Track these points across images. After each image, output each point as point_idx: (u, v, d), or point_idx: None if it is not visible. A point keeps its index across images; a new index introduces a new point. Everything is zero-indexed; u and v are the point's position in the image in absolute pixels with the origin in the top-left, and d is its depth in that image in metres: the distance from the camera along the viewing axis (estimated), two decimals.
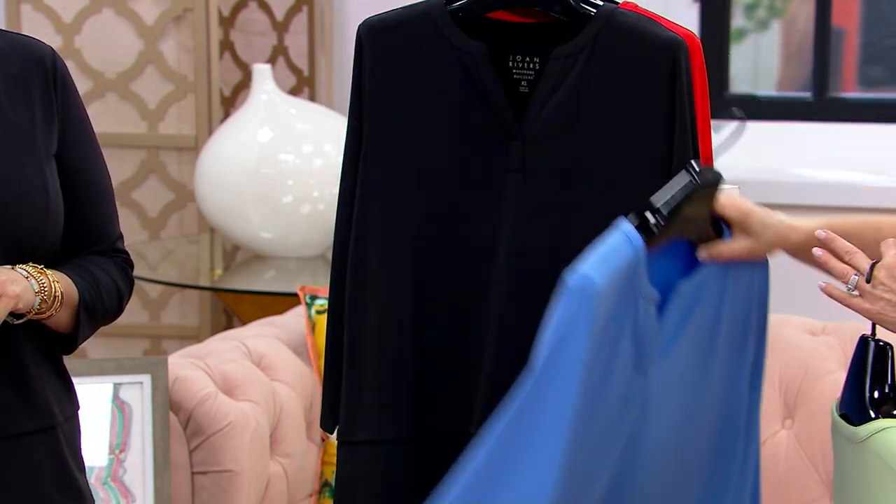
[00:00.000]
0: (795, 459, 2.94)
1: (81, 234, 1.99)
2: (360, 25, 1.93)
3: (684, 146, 1.86)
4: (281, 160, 3.53)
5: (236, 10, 4.07)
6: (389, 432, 1.92)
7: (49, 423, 1.93)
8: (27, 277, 1.86)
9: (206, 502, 2.55)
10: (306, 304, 3.06)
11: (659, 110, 1.86)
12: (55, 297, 1.88)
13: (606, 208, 1.87)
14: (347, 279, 1.92)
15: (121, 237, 2.06)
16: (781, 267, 3.73)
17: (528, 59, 1.91)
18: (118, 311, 2.01)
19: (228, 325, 4.01)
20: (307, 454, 2.86)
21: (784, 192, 3.64)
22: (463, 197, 1.90)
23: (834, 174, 3.61)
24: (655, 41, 1.86)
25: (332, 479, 2.92)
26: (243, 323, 3.53)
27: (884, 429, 1.78)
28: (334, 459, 2.90)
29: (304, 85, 4.05)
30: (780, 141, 3.77)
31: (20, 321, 1.87)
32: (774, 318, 3.10)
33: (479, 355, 1.91)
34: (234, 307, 3.66)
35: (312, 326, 3.02)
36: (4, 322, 1.82)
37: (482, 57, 1.88)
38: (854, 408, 1.82)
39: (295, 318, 3.12)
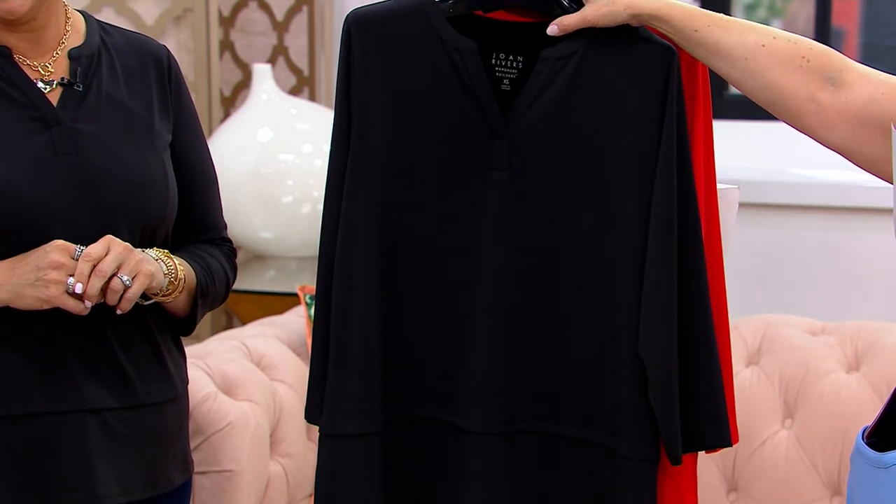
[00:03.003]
0: (795, 459, 2.94)
1: (192, 222, 2.13)
2: (348, 15, 1.91)
3: (669, 154, 1.85)
4: (281, 160, 3.53)
5: (236, 10, 4.07)
6: (374, 425, 1.92)
7: (174, 395, 2.09)
8: (157, 260, 1.99)
9: (206, 502, 2.55)
10: (306, 304, 3.06)
11: (649, 116, 1.86)
12: (180, 279, 2.01)
13: (593, 208, 1.88)
14: (334, 273, 1.92)
15: (225, 227, 2.20)
16: (781, 267, 3.74)
17: (511, 58, 1.91)
18: (225, 297, 2.17)
19: (228, 325, 4.01)
20: (307, 454, 2.86)
21: (784, 192, 3.63)
22: (446, 193, 1.90)
23: (834, 174, 3.60)
24: (649, 47, 1.86)
25: None
26: (243, 323, 3.53)
27: None
28: None
29: (304, 85, 4.05)
30: (779, 141, 3.76)
31: (148, 303, 2.00)
32: (774, 318, 3.12)
33: (461, 348, 1.91)
34: (234, 307, 3.66)
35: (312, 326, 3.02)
36: (135, 303, 1.95)
37: (471, 54, 1.88)
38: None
39: (295, 318, 3.12)
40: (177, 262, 2.02)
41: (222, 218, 2.20)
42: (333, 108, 1.94)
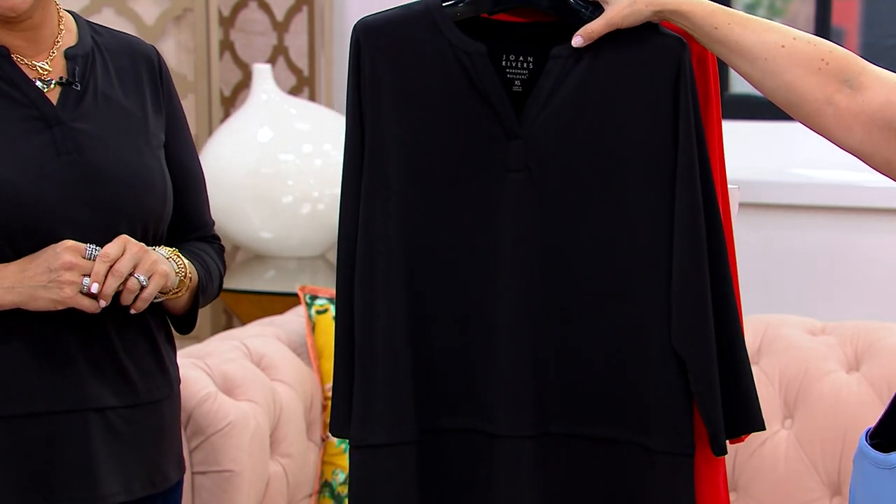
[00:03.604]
0: (795, 459, 2.94)
1: (184, 220, 2.13)
2: (356, 24, 1.91)
3: (688, 146, 1.85)
4: (281, 160, 3.53)
5: (236, 10, 4.07)
6: (405, 434, 1.91)
7: (170, 393, 2.09)
8: (168, 259, 2.00)
9: (206, 502, 2.55)
10: (306, 304, 3.05)
11: (663, 110, 1.86)
12: (188, 278, 2.02)
13: (612, 203, 1.88)
14: (356, 282, 1.91)
15: (213, 224, 2.21)
16: (781, 267, 3.74)
17: (521, 58, 1.91)
18: (218, 294, 2.17)
19: (228, 325, 4.01)
20: (307, 454, 2.86)
21: (784, 192, 3.63)
22: (463, 196, 1.90)
23: (834, 174, 3.61)
24: (659, 41, 1.86)
25: (331, 479, 2.92)
26: (243, 323, 3.53)
27: None
28: (334, 459, 2.92)
29: (304, 85, 4.05)
30: (780, 141, 3.76)
31: (157, 300, 2.01)
32: (774, 318, 3.12)
33: (486, 352, 1.91)
34: (234, 307, 3.66)
35: (312, 326, 3.02)
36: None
37: (481, 57, 1.87)
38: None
39: (295, 318, 3.12)
40: (185, 261, 2.03)
41: (210, 216, 2.21)
42: (345, 118, 1.93)
